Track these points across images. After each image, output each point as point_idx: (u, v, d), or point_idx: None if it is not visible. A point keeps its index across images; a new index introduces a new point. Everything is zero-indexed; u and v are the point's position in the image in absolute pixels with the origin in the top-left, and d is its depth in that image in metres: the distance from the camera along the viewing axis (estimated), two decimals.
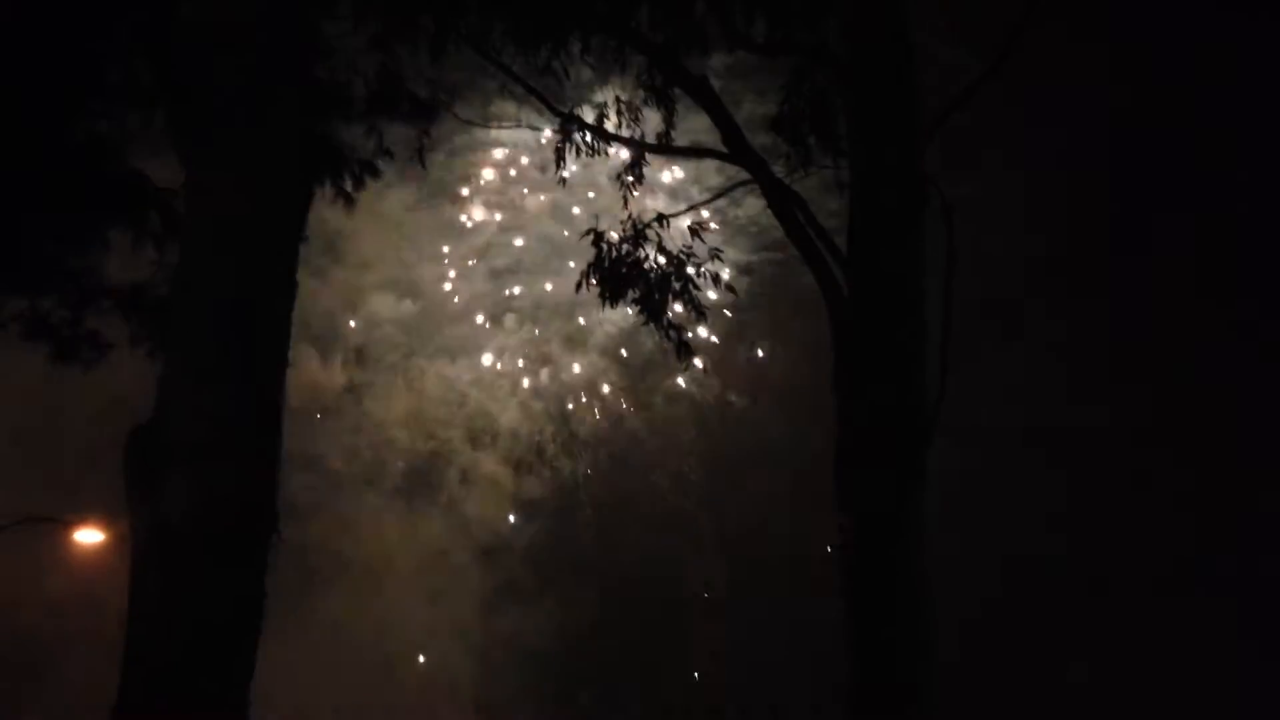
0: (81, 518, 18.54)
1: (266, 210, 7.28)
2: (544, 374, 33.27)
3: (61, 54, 10.34)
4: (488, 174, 32.25)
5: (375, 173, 11.93)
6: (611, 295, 11.84)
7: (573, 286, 12.45)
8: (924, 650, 9.55)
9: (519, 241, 33.18)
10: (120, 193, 10.98)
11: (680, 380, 32.38)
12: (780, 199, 10.64)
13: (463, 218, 32.47)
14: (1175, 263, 22.92)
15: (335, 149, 11.41)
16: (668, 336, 12.03)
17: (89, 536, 18.55)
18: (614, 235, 11.99)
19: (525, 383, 33.36)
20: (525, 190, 32.42)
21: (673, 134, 12.55)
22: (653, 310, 11.84)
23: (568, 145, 12.36)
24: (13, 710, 22.78)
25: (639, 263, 11.79)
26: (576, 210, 29.01)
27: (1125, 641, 24.36)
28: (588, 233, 11.96)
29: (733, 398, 32.79)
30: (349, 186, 11.79)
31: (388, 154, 11.74)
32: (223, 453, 6.75)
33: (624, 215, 12.08)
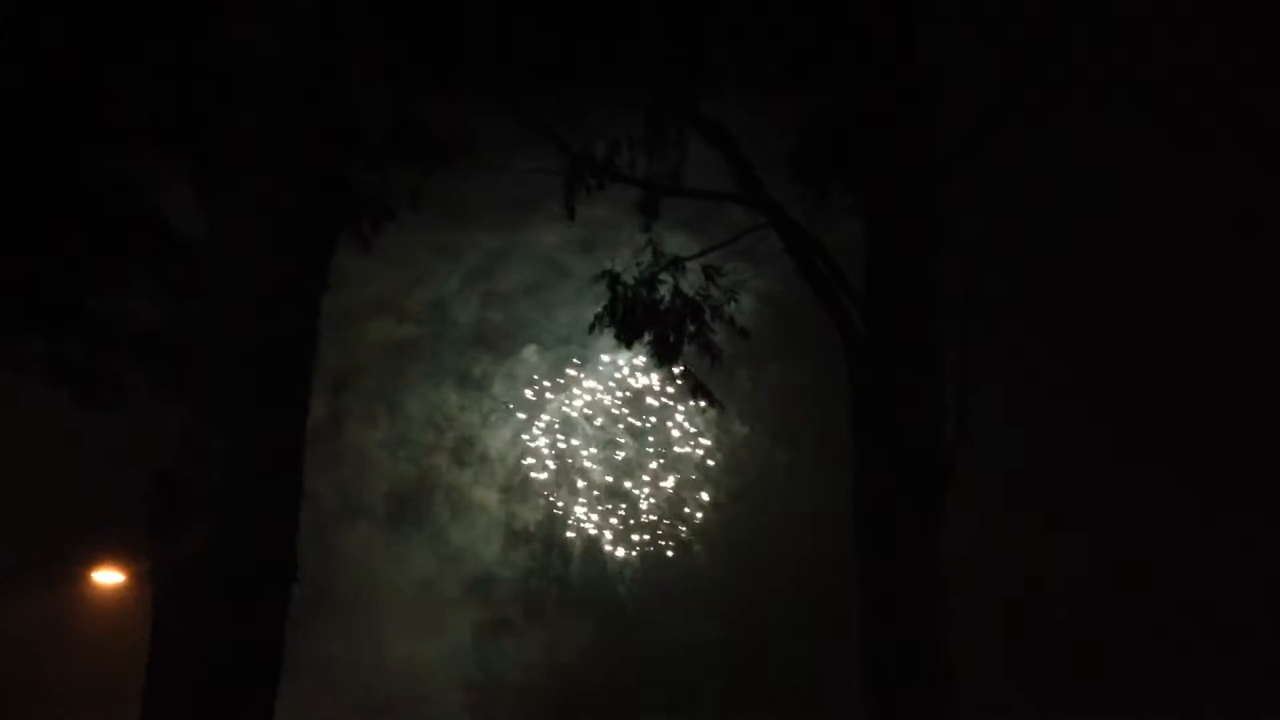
0: (101, 559, 18.59)
1: (288, 254, 7.32)
2: (541, 401, 32.88)
3: (82, 95, 10.42)
4: (494, 198, 31.66)
5: (391, 215, 11.93)
6: (627, 338, 11.85)
7: (575, 314, 12.43)
8: (944, 694, 9.51)
9: (522, 267, 32.72)
10: (141, 236, 11.06)
11: (683, 410, 32.02)
12: (796, 241, 10.68)
13: (463, 241, 31.85)
14: (1186, 298, 22.93)
15: (354, 191, 11.45)
16: (681, 379, 12.04)
17: (109, 578, 18.61)
18: (629, 276, 11.98)
19: (518, 411, 32.98)
20: (534, 217, 31.94)
21: (688, 169, 12.53)
22: (666, 354, 11.82)
23: (578, 185, 12.34)
24: None
25: (655, 304, 11.80)
26: (587, 239, 28.60)
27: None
28: (602, 275, 11.97)
29: (739, 426, 32.34)
30: (367, 229, 11.80)
31: (386, 210, 11.61)
32: (243, 498, 6.78)
33: (638, 256, 12.07)
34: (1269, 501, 22.93)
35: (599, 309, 11.94)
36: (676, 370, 12.50)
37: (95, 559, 18.99)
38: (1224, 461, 23.24)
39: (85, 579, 19.10)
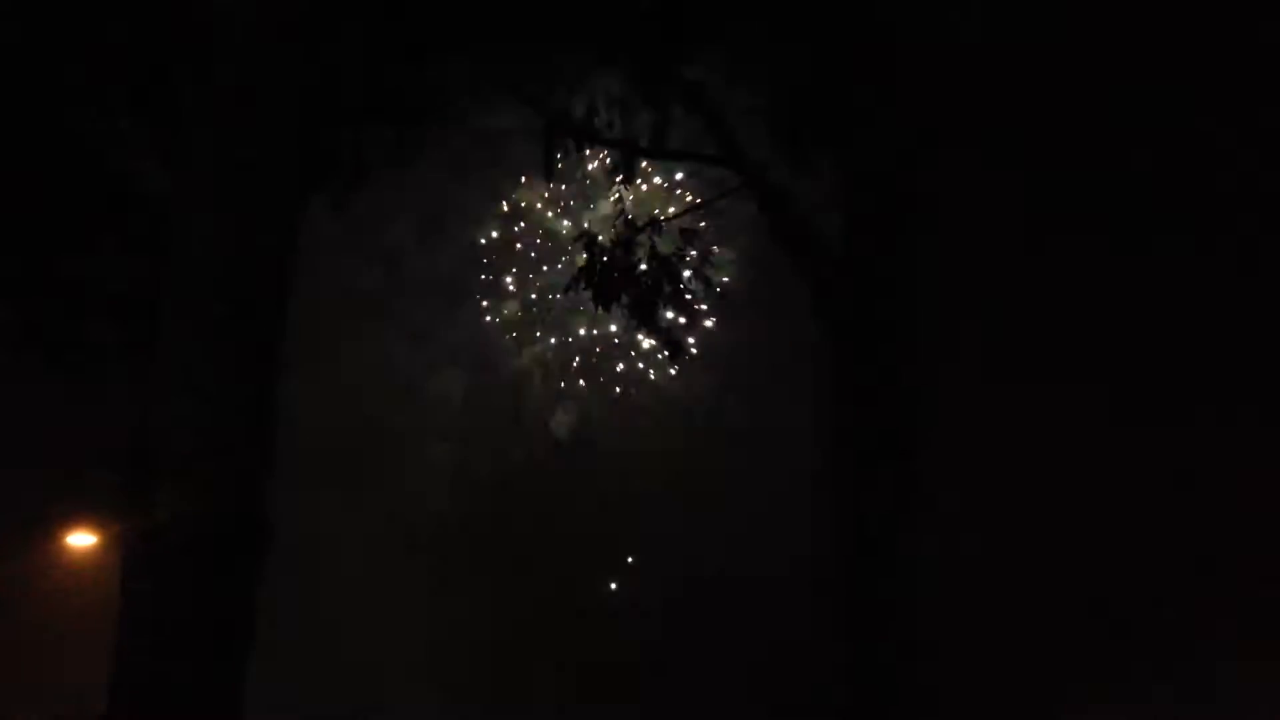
0: (75, 523, 18.55)
1: (258, 215, 7.23)
2: (502, 355, 32.67)
3: (49, 53, 10.26)
4: (471, 156, 31.24)
5: (364, 174, 11.79)
6: (603, 300, 11.80)
7: (545, 269, 12.38)
8: (918, 654, 9.53)
9: (494, 222, 32.41)
10: (108, 197, 10.91)
11: (646, 366, 31.79)
12: (773, 203, 10.61)
13: (430, 194, 31.50)
14: (1177, 267, 22.81)
15: (327, 153, 11.32)
16: (659, 340, 12.01)
17: (82, 541, 18.58)
18: (606, 238, 11.93)
19: (479, 366, 32.79)
20: (510, 178, 31.59)
21: (668, 130, 12.42)
22: (643, 315, 11.79)
23: (555, 145, 12.23)
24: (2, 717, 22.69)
25: (631, 267, 11.74)
26: (564, 197, 28.21)
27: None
28: (579, 237, 11.93)
29: (703, 384, 32.10)
30: (340, 189, 11.67)
31: (360, 169, 11.45)
32: (214, 462, 6.71)
33: (616, 217, 12.00)
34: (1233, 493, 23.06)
35: (567, 263, 11.91)
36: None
37: (69, 522, 18.93)
38: (1199, 450, 23.31)
39: (59, 542, 19.05)
